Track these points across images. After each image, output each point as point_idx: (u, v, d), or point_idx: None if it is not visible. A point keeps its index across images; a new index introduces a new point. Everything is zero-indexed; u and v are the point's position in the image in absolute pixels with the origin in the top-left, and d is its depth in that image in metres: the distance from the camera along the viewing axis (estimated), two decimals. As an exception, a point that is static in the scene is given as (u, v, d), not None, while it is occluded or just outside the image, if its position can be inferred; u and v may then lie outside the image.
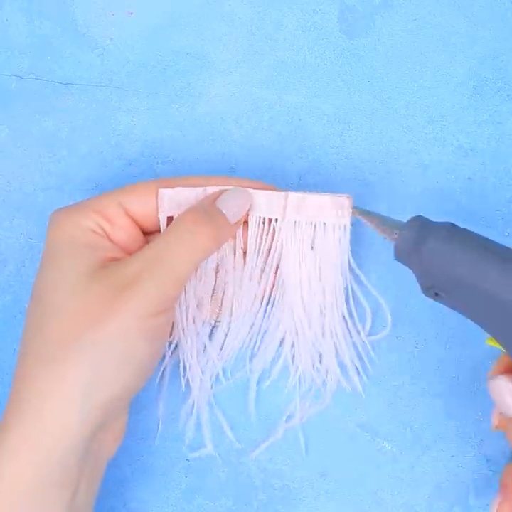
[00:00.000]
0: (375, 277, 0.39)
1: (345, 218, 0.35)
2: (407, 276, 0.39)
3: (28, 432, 0.29)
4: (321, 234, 0.35)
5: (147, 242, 0.34)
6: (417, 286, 0.39)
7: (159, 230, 0.35)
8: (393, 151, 0.40)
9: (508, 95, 0.40)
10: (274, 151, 0.40)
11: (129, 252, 0.33)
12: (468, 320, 0.34)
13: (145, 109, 0.40)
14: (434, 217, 0.39)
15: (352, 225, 0.36)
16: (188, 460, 0.38)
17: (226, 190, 0.34)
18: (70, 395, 0.29)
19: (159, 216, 0.34)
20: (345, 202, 0.35)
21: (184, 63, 0.40)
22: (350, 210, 0.35)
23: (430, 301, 0.36)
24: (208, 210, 0.33)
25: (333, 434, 0.38)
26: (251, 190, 0.35)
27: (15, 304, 0.39)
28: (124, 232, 0.33)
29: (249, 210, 0.35)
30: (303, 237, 0.35)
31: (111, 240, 0.33)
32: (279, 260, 0.36)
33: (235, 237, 0.36)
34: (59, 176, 0.40)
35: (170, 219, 0.34)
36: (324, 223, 0.35)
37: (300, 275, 0.36)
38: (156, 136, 0.40)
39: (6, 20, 0.41)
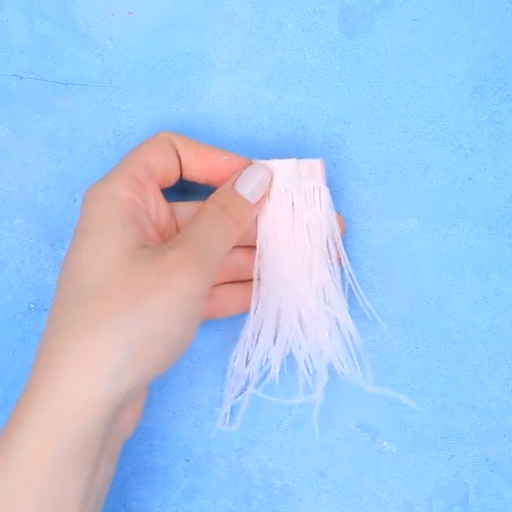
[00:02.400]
0: (376, 280, 0.39)
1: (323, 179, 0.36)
2: (408, 278, 0.39)
3: (57, 406, 0.28)
4: (304, 197, 0.36)
5: (171, 210, 0.35)
6: (418, 288, 0.39)
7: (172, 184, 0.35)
8: (393, 151, 0.40)
9: (508, 95, 0.40)
10: (274, 151, 0.40)
11: (158, 225, 0.34)
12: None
13: (145, 109, 0.40)
14: (434, 217, 0.39)
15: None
16: (188, 460, 0.38)
17: (243, 170, 0.35)
18: (104, 371, 0.29)
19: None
20: (318, 163, 0.36)
21: (184, 63, 0.40)
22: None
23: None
24: (226, 196, 0.34)
25: (333, 434, 0.38)
26: (269, 163, 0.36)
27: (15, 304, 0.39)
28: (154, 199, 0.34)
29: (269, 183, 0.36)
30: (288, 202, 0.36)
31: (144, 210, 0.33)
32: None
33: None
34: (59, 175, 0.40)
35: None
36: (315, 187, 0.36)
37: (293, 241, 0.36)
38: (156, 136, 0.40)
39: (6, 20, 0.41)
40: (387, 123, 0.40)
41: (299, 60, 0.40)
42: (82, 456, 0.29)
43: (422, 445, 0.38)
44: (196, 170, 0.35)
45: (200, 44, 0.41)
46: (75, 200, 0.40)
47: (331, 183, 0.39)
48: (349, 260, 0.37)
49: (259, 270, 0.36)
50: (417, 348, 0.38)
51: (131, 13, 0.41)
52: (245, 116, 0.40)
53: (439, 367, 0.38)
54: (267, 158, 0.36)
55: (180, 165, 0.35)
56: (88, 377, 0.29)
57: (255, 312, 0.36)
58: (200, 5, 0.41)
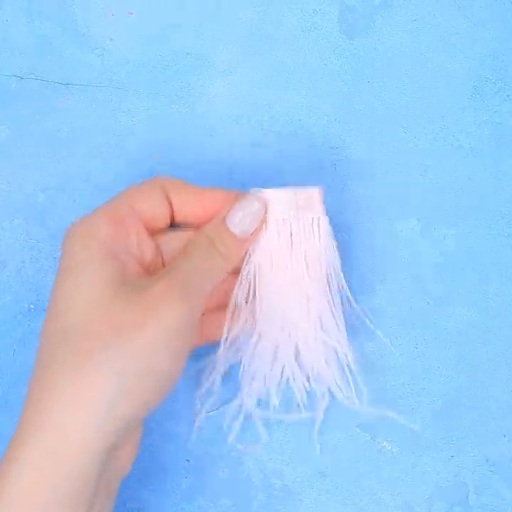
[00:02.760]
0: (376, 280, 0.39)
1: (321, 209, 0.35)
2: (408, 278, 0.39)
3: (50, 443, 0.28)
4: (302, 228, 0.35)
5: (156, 246, 0.34)
6: (418, 288, 0.39)
7: (163, 230, 0.34)
8: (393, 151, 0.40)
9: (508, 95, 0.40)
10: (274, 151, 0.40)
11: (141, 261, 0.33)
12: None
13: (145, 109, 0.40)
14: (434, 217, 0.40)
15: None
16: (188, 460, 0.38)
17: (235, 204, 0.34)
18: (95, 406, 0.28)
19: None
20: (317, 193, 0.35)
21: (184, 63, 0.40)
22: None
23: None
24: (216, 230, 0.33)
25: (333, 434, 0.38)
26: (265, 193, 0.34)
27: (15, 304, 0.39)
28: (135, 236, 0.33)
29: (265, 214, 0.34)
30: (286, 233, 0.35)
31: (125, 246, 0.32)
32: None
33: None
34: (59, 175, 0.40)
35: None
36: (314, 217, 0.35)
37: (290, 272, 0.35)
38: (156, 136, 0.40)
39: (6, 20, 0.41)
40: (387, 123, 0.40)
41: (299, 60, 0.40)
42: (76, 496, 0.28)
43: (422, 445, 0.38)
44: (188, 215, 0.34)
45: (200, 44, 0.41)
46: (74, 200, 0.40)
47: (331, 183, 0.40)
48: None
49: (257, 303, 0.35)
50: (417, 348, 0.38)
51: (131, 13, 0.41)
52: (245, 116, 0.40)
53: (439, 367, 0.38)
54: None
55: (173, 211, 0.34)
56: (80, 412, 0.28)
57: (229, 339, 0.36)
58: (200, 5, 0.41)
